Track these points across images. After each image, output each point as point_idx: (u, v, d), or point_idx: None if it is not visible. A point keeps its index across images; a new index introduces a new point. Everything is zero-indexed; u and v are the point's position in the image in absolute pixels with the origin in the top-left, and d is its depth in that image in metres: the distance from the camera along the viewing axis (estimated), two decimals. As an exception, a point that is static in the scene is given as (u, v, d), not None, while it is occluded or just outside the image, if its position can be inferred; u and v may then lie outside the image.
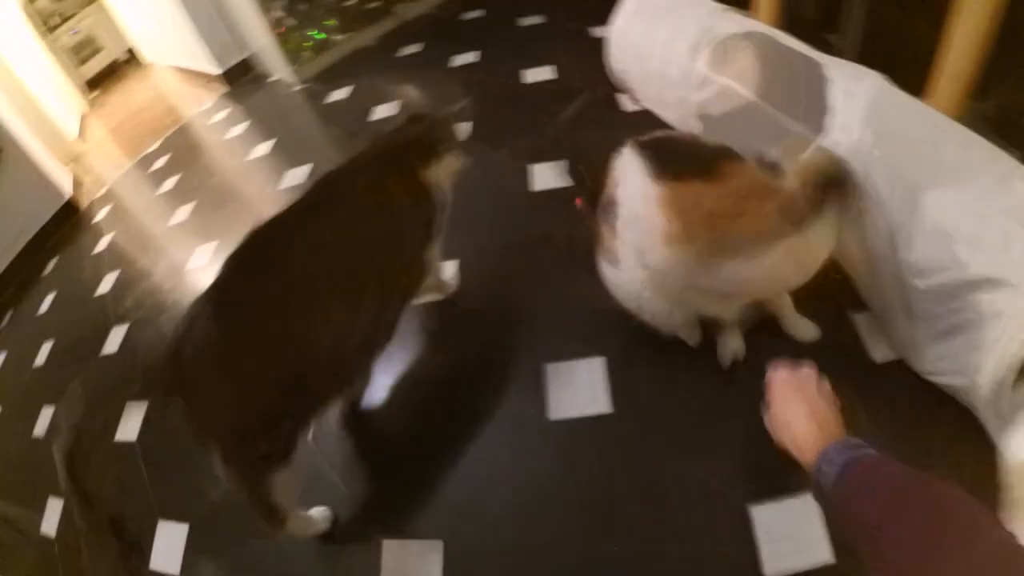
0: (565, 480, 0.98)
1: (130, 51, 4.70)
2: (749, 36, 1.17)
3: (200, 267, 1.95)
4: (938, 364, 0.85)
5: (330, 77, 2.59)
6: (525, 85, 1.98)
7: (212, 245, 2.00)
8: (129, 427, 1.50)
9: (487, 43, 2.34)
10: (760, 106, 1.18)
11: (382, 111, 2.18)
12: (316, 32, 2.70)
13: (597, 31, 2.04)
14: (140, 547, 1.22)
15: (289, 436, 0.83)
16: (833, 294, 1.02)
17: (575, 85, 1.87)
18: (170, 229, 2.25)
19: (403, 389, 1.22)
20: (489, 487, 1.02)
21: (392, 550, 0.98)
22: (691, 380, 1.02)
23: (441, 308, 1.33)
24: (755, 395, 0.75)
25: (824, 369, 0.75)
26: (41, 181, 2.69)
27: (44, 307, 2.31)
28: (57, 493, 1.47)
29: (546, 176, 1.58)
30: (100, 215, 2.72)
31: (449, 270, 1.37)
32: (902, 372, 0.92)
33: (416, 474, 1.08)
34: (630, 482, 0.93)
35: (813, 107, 0.96)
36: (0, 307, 2.52)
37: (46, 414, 1.74)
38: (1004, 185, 0.77)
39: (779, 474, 0.81)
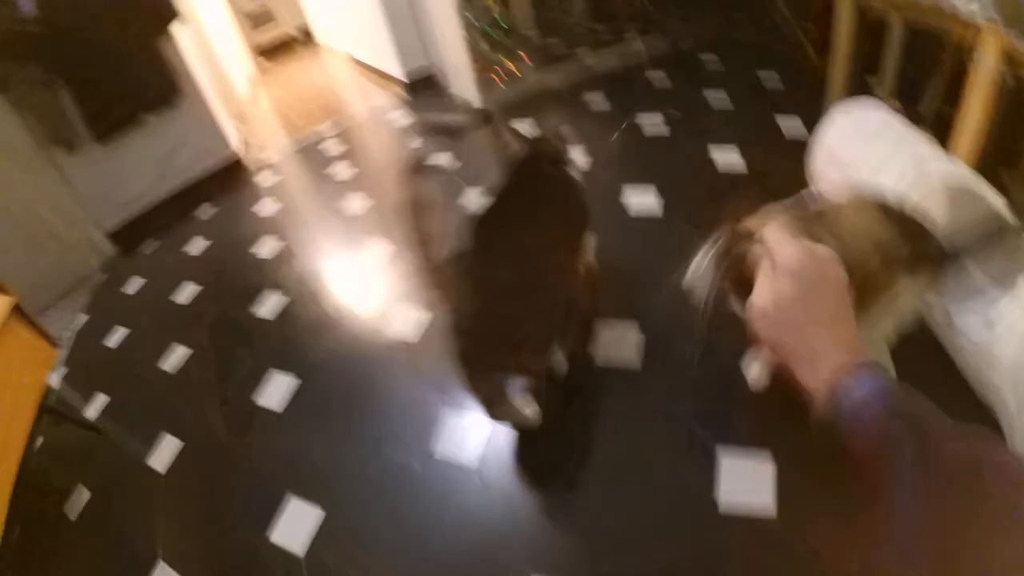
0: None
1: (305, 31, 5.04)
2: (955, 188, 1.14)
3: (373, 263, 1.96)
4: None
5: (513, 108, 2.66)
6: (712, 161, 1.94)
7: (387, 246, 2.00)
8: (269, 393, 1.52)
9: (670, 107, 2.36)
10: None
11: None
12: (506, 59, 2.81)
13: (784, 121, 2.03)
14: (262, 516, 1.22)
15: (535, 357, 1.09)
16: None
17: (760, 170, 1.84)
18: (341, 215, 2.30)
19: (559, 429, 1.21)
20: (643, 544, 1.01)
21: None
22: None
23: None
24: None
25: None
26: (212, 128, 2.85)
27: (193, 249, 2.42)
28: (172, 430, 1.51)
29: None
30: (264, 178, 2.86)
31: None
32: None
33: (567, 514, 1.08)
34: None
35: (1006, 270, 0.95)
36: (151, 230, 2.66)
37: (177, 351, 1.80)
38: None
39: None
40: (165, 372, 1.75)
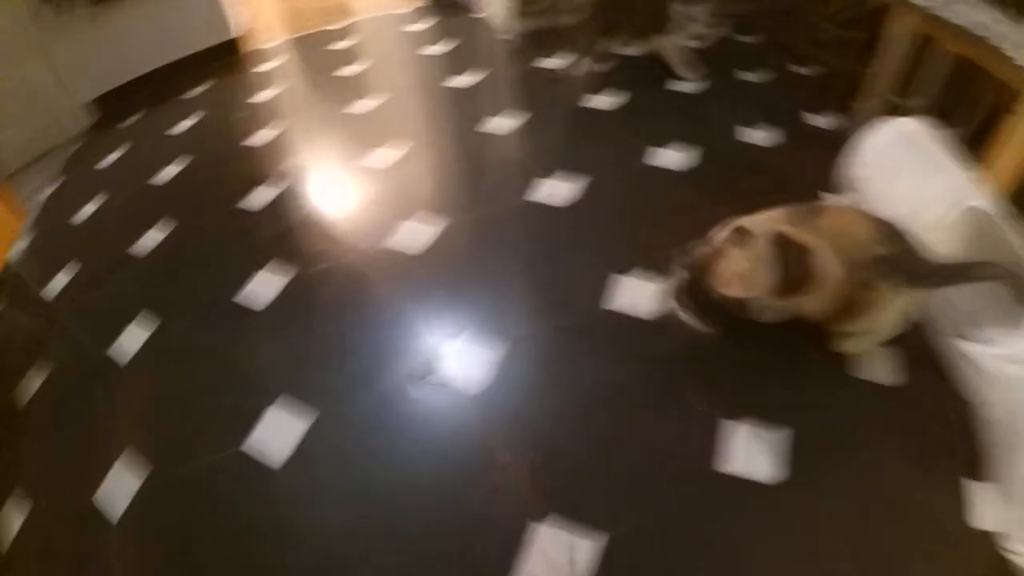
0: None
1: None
2: (987, 216, 1.16)
3: (378, 167, 1.83)
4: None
5: (542, 41, 2.49)
6: (740, 142, 1.86)
7: (397, 151, 1.89)
8: (256, 291, 1.41)
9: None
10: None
11: (595, 101, 2.06)
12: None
13: (813, 119, 1.94)
14: (241, 417, 1.13)
15: None
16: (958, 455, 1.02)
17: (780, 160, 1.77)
18: (349, 114, 2.15)
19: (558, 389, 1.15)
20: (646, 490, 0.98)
21: (542, 533, 0.92)
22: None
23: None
24: None
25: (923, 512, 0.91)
26: (213, 4, 2.64)
27: (182, 127, 2.24)
28: (139, 320, 1.38)
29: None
30: (266, 66, 2.64)
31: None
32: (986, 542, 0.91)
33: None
34: None
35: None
36: (135, 104, 2.46)
37: (150, 234, 1.66)
38: None
39: None
40: (137, 255, 1.61)
